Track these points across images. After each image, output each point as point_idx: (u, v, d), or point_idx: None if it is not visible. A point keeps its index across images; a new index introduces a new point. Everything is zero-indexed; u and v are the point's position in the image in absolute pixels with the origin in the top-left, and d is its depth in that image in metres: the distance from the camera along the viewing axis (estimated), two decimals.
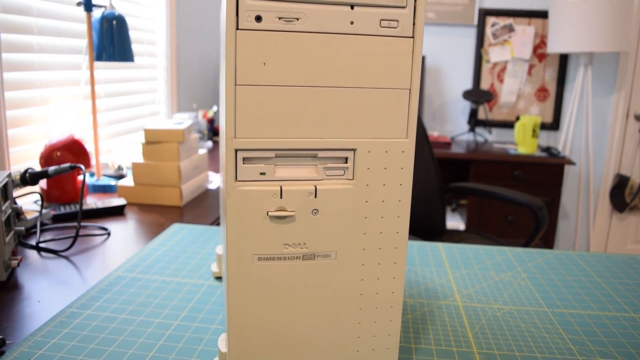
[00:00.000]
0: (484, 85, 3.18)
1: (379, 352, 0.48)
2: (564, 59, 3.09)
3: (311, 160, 0.43)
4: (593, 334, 0.63)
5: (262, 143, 0.41)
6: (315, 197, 0.42)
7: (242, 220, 0.42)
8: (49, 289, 0.74)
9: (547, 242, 2.85)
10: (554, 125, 3.17)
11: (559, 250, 0.92)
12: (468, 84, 3.21)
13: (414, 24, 0.42)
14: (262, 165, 0.42)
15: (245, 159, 0.41)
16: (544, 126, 3.17)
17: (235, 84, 0.40)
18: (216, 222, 1.18)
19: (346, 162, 0.43)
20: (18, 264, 0.77)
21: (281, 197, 0.42)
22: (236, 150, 0.41)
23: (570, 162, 2.70)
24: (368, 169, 0.43)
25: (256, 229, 0.42)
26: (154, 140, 1.25)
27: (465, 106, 3.24)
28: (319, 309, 0.45)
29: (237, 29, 0.39)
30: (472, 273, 0.81)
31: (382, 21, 0.41)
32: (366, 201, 0.44)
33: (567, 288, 0.76)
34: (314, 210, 0.42)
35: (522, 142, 2.79)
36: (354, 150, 0.43)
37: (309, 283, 0.44)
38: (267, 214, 0.42)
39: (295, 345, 0.46)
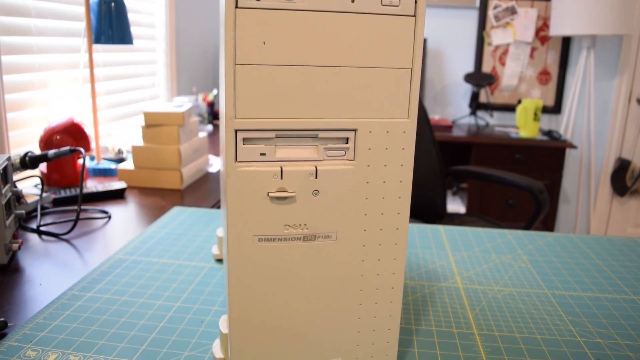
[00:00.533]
0: (486, 68, 3.16)
1: (380, 332, 0.48)
2: (566, 42, 3.07)
3: (312, 140, 0.42)
4: (593, 316, 0.63)
5: (262, 123, 0.41)
6: (316, 177, 0.42)
7: (243, 201, 0.41)
8: (50, 271, 0.74)
9: (548, 225, 2.86)
10: (556, 108, 3.15)
11: (559, 232, 0.92)
12: (470, 67, 3.19)
13: (415, 2, 0.41)
14: (262, 146, 0.41)
15: (245, 140, 0.41)
16: (545, 109, 3.16)
17: (235, 64, 0.39)
18: (217, 205, 1.18)
19: (347, 143, 0.43)
20: (19, 247, 0.77)
21: (281, 178, 0.41)
22: (236, 131, 0.41)
23: (572, 146, 2.69)
24: (369, 149, 0.43)
25: (256, 210, 0.42)
26: (154, 124, 1.24)
27: (467, 89, 3.23)
28: (319, 290, 0.45)
29: (237, 7, 0.38)
30: (472, 255, 0.81)
31: None
32: (367, 182, 0.43)
33: (567, 270, 0.76)
34: (315, 191, 0.42)
35: (524, 126, 2.78)
36: (354, 130, 0.42)
37: (309, 264, 0.44)
38: (268, 194, 0.42)
39: (296, 326, 0.46)
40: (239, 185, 0.41)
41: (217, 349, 0.52)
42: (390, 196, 0.44)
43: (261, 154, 0.41)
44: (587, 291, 0.70)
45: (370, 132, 0.42)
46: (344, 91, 0.41)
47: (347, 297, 0.46)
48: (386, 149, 0.43)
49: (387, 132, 0.43)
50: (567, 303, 0.66)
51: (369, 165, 0.43)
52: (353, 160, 0.43)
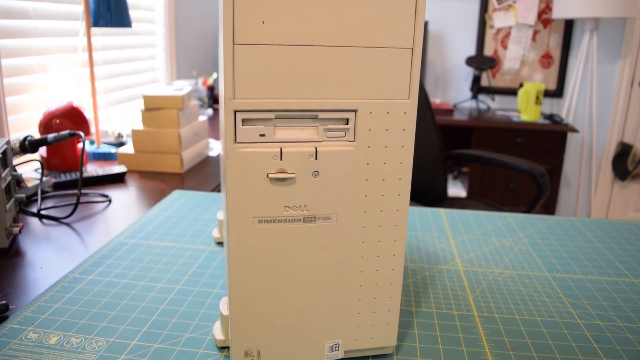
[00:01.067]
0: (488, 51, 3.13)
1: (380, 314, 0.49)
2: (569, 25, 3.04)
3: (311, 121, 0.42)
4: (593, 299, 0.63)
5: (261, 104, 0.40)
6: (316, 158, 0.42)
7: (242, 183, 0.41)
8: (51, 255, 0.74)
9: (548, 209, 2.86)
10: (558, 92, 3.14)
11: (560, 216, 0.92)
12: (471, 50, 3.17)
13: None
14: (261, 127, 0.41)
15: (244, 120, 0.41)
16: (547, 93, 3.14)
17: (234, 44, 0.39)
18: (217, 188, 1.18)
19: (347, 124, 0.42)
20: (20, 231, 0.77)
21: (281, 159, 0.41)
22: (235, 112, 0.40)
23: (574, 130, 2.68)
24: (369, 130, 0.42)
25: (256, 191, 0.42)
26: (153, 107, 1.24)
27: (468, 73, 3.21)
28: (319, 271, 0.45)
29: None
30: (473, 238, 0.81)
31: None
32: (367, 163, 0.43)
33: (568, 253, 0.76)
34: (315, 172, 0.42)
35: (525, 109, 2.77)
36: (355, 111, 0.42)
37: (309, 245, 0.44)
38: (267, 176, 0.41)
39: (296, 308, 0.46)
40: (239, 167, 0.41)
41: (217, 330, 0.52)
42: (390, 177, 0.44)
43: (261, 135, 0.41)
44: (587, 274, 0.70)
45: (370, 112, 0.42)
46: (344, 71, 0.41)
47: (348, 278, 0.46)
48: (387, 130, 0.43)
49: (388, 112, 0.42)
50: (568, 285, 0.66)
51: (369, 147, 0.43)
52: (353, 141, 0.43)
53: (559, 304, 0.61)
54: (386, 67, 0.41)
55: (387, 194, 0.45)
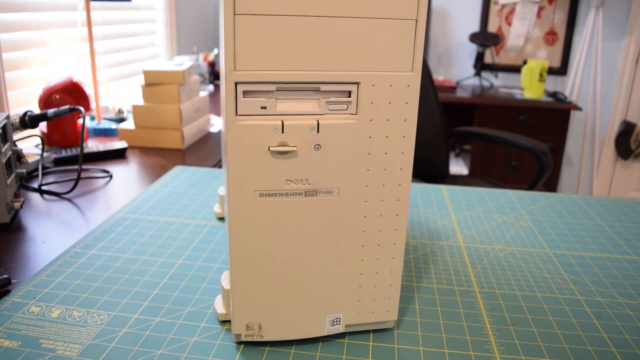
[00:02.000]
0: (492, 27, 3.09)
1: (381, 288, 0.49)
2: (574, 1, 3.00)
3: (313, 94, 0.41)
4: (594, 275, 0.63)
5: (262, 76, 0.40)
6: (318, 132, 0.41)
7: (243, 156, 0.41)
8: (53, 230, 0.74)
9: (550, 188, 2.86)
10: (562, 69, 3.10)
11: (562, 193, 0.92)
12: (475, 27, 3.13)
13: None
14: (263, 99, 0.40)
15: (245, 93, 0.40)
16: (551, 71, 3.11)
17: (234, 14, 0.38)
18: (218, 164, 1.18)
19: (349, 96, 0.42)
20: (21, 206, 0.77)
21: (283, 132, 0.41)
22: (236, 84, 0.40)
23: (577, 108, 2.66)
24: (372, 103, 0.42)
25: (257, 165, 0.41)
26: (153, 82, 1.23)
27: (472, 49, 3.17)
28: (321, 246, 0.45)
29: None
30: (475, 215, 0.81)
31: None
32: (370, 137, 0.43)
33: (569, 230, 0.76)
34: (317, 146, 0.41)
35: (529, 87, 2.74)
36: (357, 83, 0.41)
37: (311, 219, 0.44)
38: (269, 149, 0.41)
39: (297, 282, 0.46)
40: (240, 140, 0.40)
41: (219, 304, 0.52)
42: (393, 151, 0.44)
43: (262, 108, 0.40)
44: (588, 251, 0.70)
45: (373, 85, 0.41)
46: (346, 43, 0.40)
47: (349, 253, 0.46)
48: (389, 103, 0.42)
49: (391, 85, 0.42)
50: (569, 262, 0.66)
51: (371, 120, 0.42)
52: (355, 114, 0.42)
53: (560, 281, 0.61)
54: (389, 38, 0.41)
55: (390, 168, 0.44)
